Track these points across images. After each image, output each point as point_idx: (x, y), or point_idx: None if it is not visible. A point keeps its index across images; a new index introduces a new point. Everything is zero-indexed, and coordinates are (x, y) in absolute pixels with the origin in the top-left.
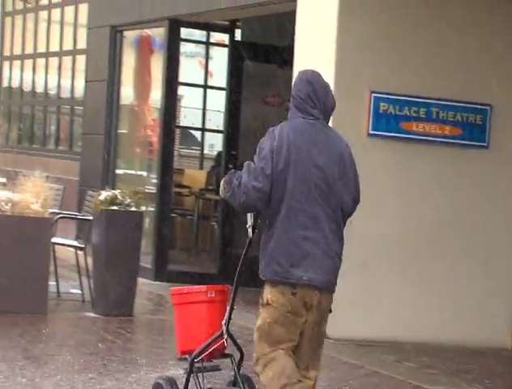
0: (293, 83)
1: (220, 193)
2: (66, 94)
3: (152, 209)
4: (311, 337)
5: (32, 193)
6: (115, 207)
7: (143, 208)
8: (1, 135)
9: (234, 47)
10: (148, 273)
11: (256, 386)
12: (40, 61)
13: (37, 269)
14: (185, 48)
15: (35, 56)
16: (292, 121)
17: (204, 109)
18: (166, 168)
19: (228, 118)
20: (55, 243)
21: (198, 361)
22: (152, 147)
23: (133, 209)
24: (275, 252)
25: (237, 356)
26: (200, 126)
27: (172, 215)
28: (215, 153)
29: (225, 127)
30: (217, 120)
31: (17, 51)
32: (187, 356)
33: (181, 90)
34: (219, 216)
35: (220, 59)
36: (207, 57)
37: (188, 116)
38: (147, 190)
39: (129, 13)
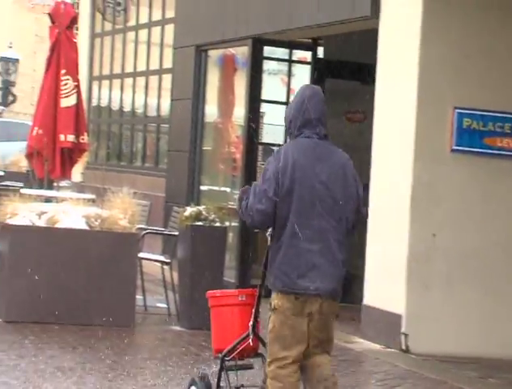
0: (292, 102)
1: (237, 208)
2: (152, 112)
3: (236, 224)
4: (320, 327)
5: (120, 209)
6: (200, 223)
7: (227, 224)
8: (90, 153)
9: (316, 64)
10: (232, 287)
11: None
12: (128, 81)
13: (125, 283)
14: (267, 65)
15: (123, 76)
16: (296, 140)
17: None
18: (249, 184)
19: None
20: (142, 258)
21: (229, 360)
22: (236, 164)
23: (217, 224)
24: (283, 265)
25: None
26: (282, 142)
27: (256, 230)
28: None
29: None
30: None
31: (106, 71)
32: (220, 354)
33: (263, 107)
34: None
35: (302, 76)
36: (289, 74)
37: (270, 132)
38: (230, 206)
39: (213, 33)
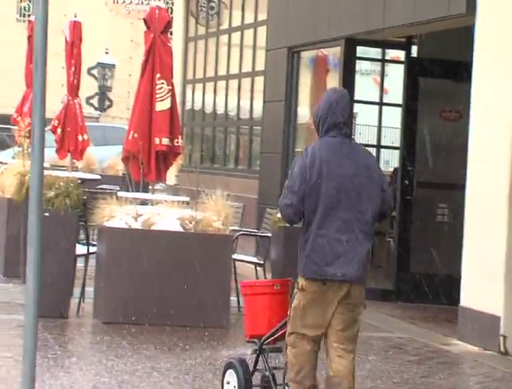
0: (320, 105)
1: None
2: (245, 114)
3: None
4: (341, 321)
5: (214, 211)
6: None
7: None
8: (184, 156)
9: (410, 63)
10: None
11: None
12: (221, 84)
13: (219, 284)
14: (360, 66)
15: (216, 78)
16: (322, 139)
17: (380, 126)
18: None
19: (404, 134)
20: (236, 259)
21: (266, 344)
22: None
23: None
24: (312, 253)
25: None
26: (375, 142)
27: (294, 225)
28: (390, 170)
29: (402, 143)
30: (392, 136)
31: (199, 74)
32: (255, 339)
33: (356, 108)
34: (395, 233)
35: (395, 76)
36: (383, 74)
37: (363, 133)
38: None
39: (305, 34)
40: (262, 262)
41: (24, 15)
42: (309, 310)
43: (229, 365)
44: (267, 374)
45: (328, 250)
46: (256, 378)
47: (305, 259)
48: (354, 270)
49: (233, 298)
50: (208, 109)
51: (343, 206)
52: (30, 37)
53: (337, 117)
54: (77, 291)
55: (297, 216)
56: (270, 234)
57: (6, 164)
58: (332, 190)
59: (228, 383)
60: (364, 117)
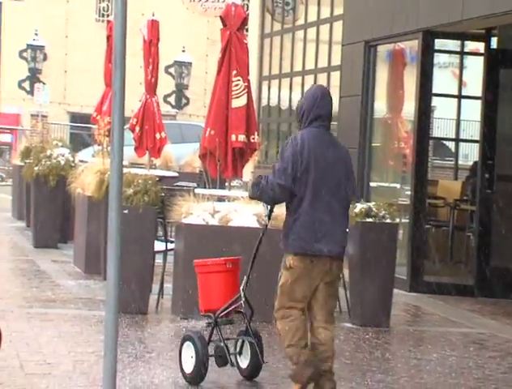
0: (305, 98)
1: (248, 193)
2: None
3: (406, 221)
4: (325, 296)
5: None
6: (370, 219)
7: (397, 220)
8: (260, 152)
9: (490, 55)
10: (403, 284)
11: (261, 337)
12: (297, 80)
13: None
14: (438, 59)
15: (291, 74)
16: (308, 129)
17: (458, 120)
18: (420, 179)
19: (484, 127)
20: None
21: (221, 318)
22: (406, 160)
23: (387, 221)
24: (302, 231)
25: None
26: (454, 136)
27: (427, 226)
28: (469, 163)
29: (481, 136)
30: (471, 130)
31: (275, 71)
32: (210, 313)
33: (434, 101)
34: (475, 227)
35: (474, 68)
36: (461, 66)
37: (441, 127)
38: (400, 202)
39: (382, 28)
40: None
41: (103, 15)
42: (296, 287)
43: (187, 338)
44: (221, 344)
45: (316, 228)
46: (210, 349)
47: (294, 236)
48: (337, 246)
49: None
50: (284, 104)
51: (327, 189)
52: (109, 37)
53: (320, 110)
54: (156, 287)
55: (286, 197)
56: (347, 229)
57: (86, 162)
58: (319, 176)
59: (186, 355)
60: (443, 111)
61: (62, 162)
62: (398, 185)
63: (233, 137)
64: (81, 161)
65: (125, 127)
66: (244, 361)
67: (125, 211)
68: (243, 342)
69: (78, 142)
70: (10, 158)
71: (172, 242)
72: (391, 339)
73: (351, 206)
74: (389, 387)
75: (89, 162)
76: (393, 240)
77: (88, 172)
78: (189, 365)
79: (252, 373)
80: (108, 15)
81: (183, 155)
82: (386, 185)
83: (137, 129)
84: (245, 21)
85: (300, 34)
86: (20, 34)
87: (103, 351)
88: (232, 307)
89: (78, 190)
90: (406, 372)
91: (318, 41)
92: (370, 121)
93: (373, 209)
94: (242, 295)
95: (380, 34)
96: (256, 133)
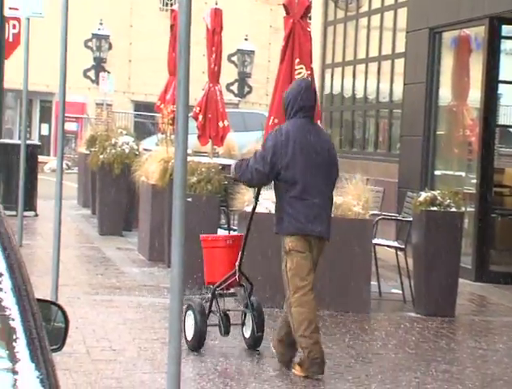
0: (290, 91)
1: (231, 174)
2: (384, 98)
3: (472, 209)
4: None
5: (353, 195)
6: (435, 208)
7: (463, 209)
8: None
9: None
10: (468, 274)
11: (263, 309)
12: (360, 67)
13: (359, 269)
14: (504, 45)
15: (355, 62)
16: (292, 120)
17: None
18: (486, 167)
19: None
20: (376, 244)
21: (219, 290)
22: (471, 148)
23: (453, 210)
24: (297, 214)
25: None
26: None
27: (493, 215)
28: None
29: None
30: None
31: (338, 59)
32: (211, 285)
33: (501, 88)
34: None
35: None
36: None
37: (507, 114)
38: (466, 191)
39: (447, 14)
40: (403, 246)
41: (167, 4)
42: (300, 263)
43: (188, 307)
44: (218, 315)
45: (309, 211)
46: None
47: (289, 219)
48: (325, 227)
49: (374, 283)
50: (347, 93)
51: (317, 175)
52: (173, 26)
53: (304, 102)
54: None
55: (262, 182)
56: (411, 218)
57: (150, 150)
58: (307, 163)
59: (188, 323)
60: (509, 98)
61: (127, 150)
62: (463, 174)
63: None
64: (145, 150)
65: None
66: (247, 332)
67: (189, 200)
68: (245, 314)
69: (142, 130)
70: (76, 146)
71: (234, 230)
72: (456, 329)
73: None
74: (454, 378)
75: (153, 150)
76: (458, 229)
77: (152, 160)
78: (190, 332)
79: (253, 343)
80: (171, 4)
81: (246, 143)
82: (451, 173)
83: (200, 117)
84: (308, 9)
85: (363, 21)
86: (85, 23)
87: (167, 338)
88: (230, 281)
89: (143, 178)
90: (471, 362)
91: (382, 28)
92: (435, 109)
93: (438, 198)
94: (237, 271)
95: (445, 21)
96: (319, 121)
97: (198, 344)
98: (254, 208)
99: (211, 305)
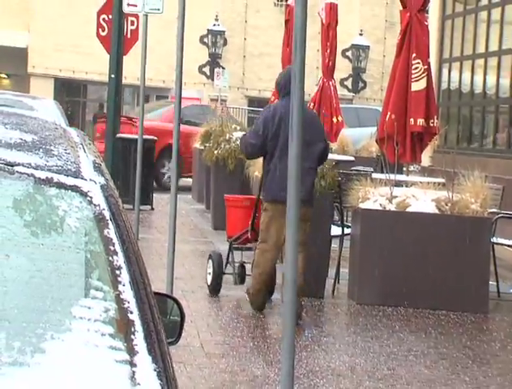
0: (281, 75)
1: (239, 146)
2: (504, 93)
3: None
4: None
5: (471, 193)
6: None
7: None
8: (440, 136)
9: None
10: None
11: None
12: (479, 62)
13: (477, 269)
14: None
15: (473, 57)
16: (281, 101)
17: None
18: None
19: None
20: (495, 243)
21: (235, 244)
22: None
23: None
24: (272, 182)
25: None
26: None
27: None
28: None
29: None
30: None
31: (456, 53)
32: (230, 240)
33: None
34: None
35: None
36: None
37: None
38: None
39: None
40: None
41: (281, 0)
42: (271, 225)
43: (209, 257)
44: (232, 265)
45: (283, 180)
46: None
47: (267, 187)
48: (301, 194)
49: (492, 283)
50: (465, 88)
51: None
52: (287, 21)
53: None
54: (332, 272)
55: (257, 154)
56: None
57: None
58: (287, 137)
59: (208, 271)
60: None
61: None
62: None
63: (412, 121)
64: None
65: None
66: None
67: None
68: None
69: None
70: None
71: (348, 227)
72: None
73: None
74: None
75: None
76: None
77: None
78: (209, 278)
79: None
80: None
81: (360, 139)
82: None
83: None
84: (426, 2)
85: (483, 15)
86: (201, 20)
87: (281, 333)
88: (244, 237)
89: (256, 173)
90: None
91: (503, 22)
92: None
93: None
94: (249, 229)
95: None
96: (435, 117)
97: (214, 289)
98: (262, 177)
99: (228, 257)
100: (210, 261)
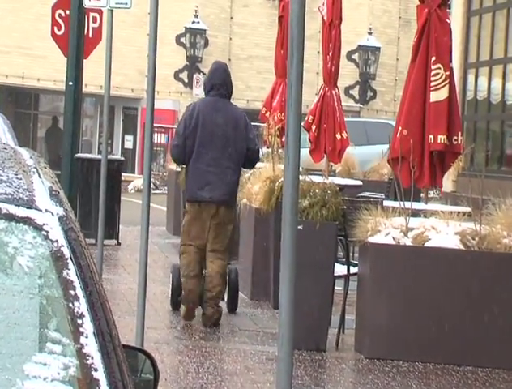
0: (207, 73)
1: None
2: None
3: None
4: (214, 236)
5: (504, 224)
6: None
7: None
8: (465, 156)
9: None
10: None
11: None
12: (511, 67)
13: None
14: None
15: (505, 61)
16: (204, 98)
17: None
18: None
19: None
20: None
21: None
22: None
23: None
24: (190, 182)
25: None
26: None
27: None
28: None
29: None
30: None
31: (484, 56)
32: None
33: None
34: None
35: None
36: None
37: None
38: None
39: None
40: None
41: None
42: (191, 227)
43: (170, 270)
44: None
45: (200, 179)
46: None
47: (187, 186)
48: (220, 194)
49: None
50: (495, 98)
51: (213, 146)
52: (281, 18)
53: (214, 80)
54: (335, 319)
55: (182, 155)
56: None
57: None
58: (205, 135)
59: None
60: None
61: None
62: None
63: (431, 138)
64: None
65: None
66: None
67: (300, 227)
68: None
69: None
70: (165, 162)
71: (355, 265)
72: None
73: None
74: None
75: (256, 168)
76: None
77: (256, 179)
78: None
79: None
80: None
81: (368, 159)
82: None
83: (313, 128)
84: None
85: None
86: (177, 15)
87: None
88: None
89: (244, 200)
90: None
91: None
92: None
93: None
94: None
95: None
96: (460, 133)
97: (173, 302)
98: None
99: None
100: (170, 275)
